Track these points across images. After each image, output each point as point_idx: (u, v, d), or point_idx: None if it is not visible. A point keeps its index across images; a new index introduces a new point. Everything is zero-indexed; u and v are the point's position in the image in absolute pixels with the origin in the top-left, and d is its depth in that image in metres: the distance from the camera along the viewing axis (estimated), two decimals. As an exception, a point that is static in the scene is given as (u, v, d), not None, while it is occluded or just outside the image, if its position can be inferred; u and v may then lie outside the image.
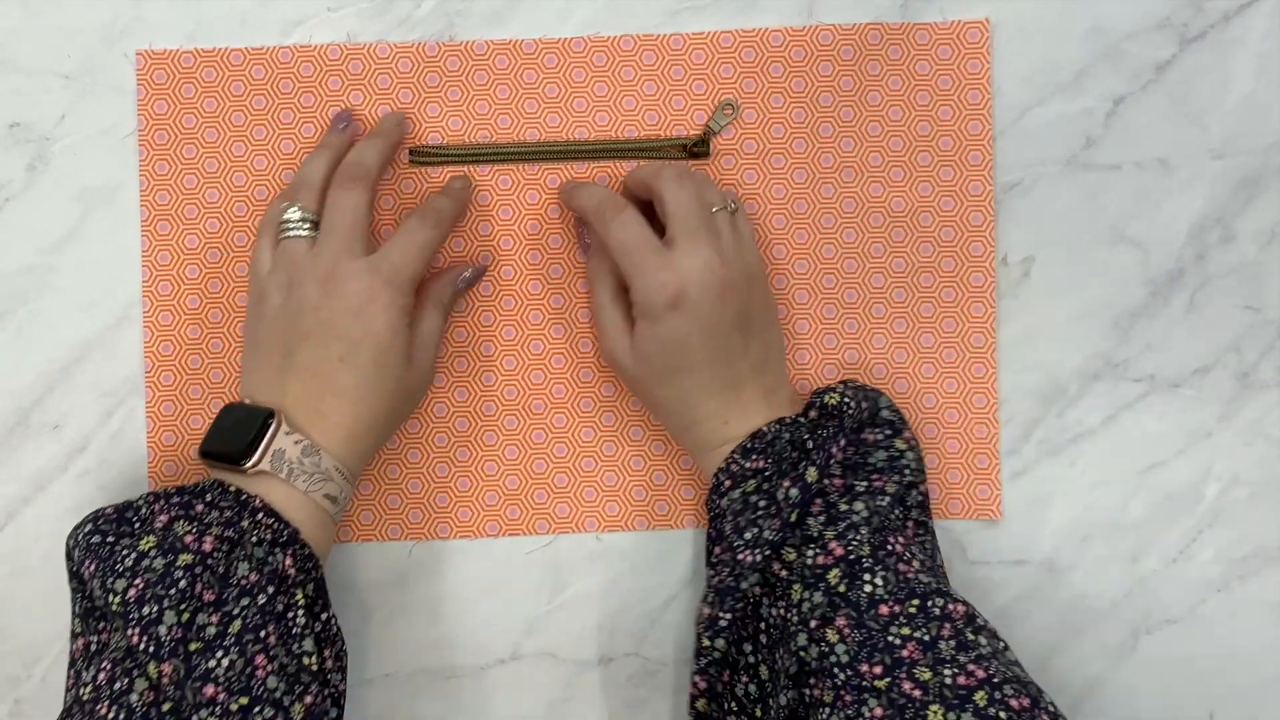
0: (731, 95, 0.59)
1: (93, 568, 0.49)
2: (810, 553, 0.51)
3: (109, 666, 0.48)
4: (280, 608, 0.49)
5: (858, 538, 0.51)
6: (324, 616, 0.51)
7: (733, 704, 0.53)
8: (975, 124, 0.60)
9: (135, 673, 0.47)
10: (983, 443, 0.60)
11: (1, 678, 0.59)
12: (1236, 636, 0.61)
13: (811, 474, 0.52)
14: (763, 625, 0.52)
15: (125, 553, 0.49)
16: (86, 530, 0.50)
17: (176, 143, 0.59)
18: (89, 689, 0.47)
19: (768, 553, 0.51)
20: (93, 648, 0.49)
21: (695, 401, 0.54)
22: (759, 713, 0.52)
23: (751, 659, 0.52)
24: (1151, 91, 0.60)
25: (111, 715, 0.46)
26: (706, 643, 0.52)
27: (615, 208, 0.54)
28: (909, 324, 0.60)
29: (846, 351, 0.60)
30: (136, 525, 0.50)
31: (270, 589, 0.49)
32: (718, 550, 0.53)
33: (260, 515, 0.50)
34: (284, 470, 0.50)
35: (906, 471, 0.53)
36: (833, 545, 0.51)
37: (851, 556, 0.50)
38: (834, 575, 0.50)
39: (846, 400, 0.55)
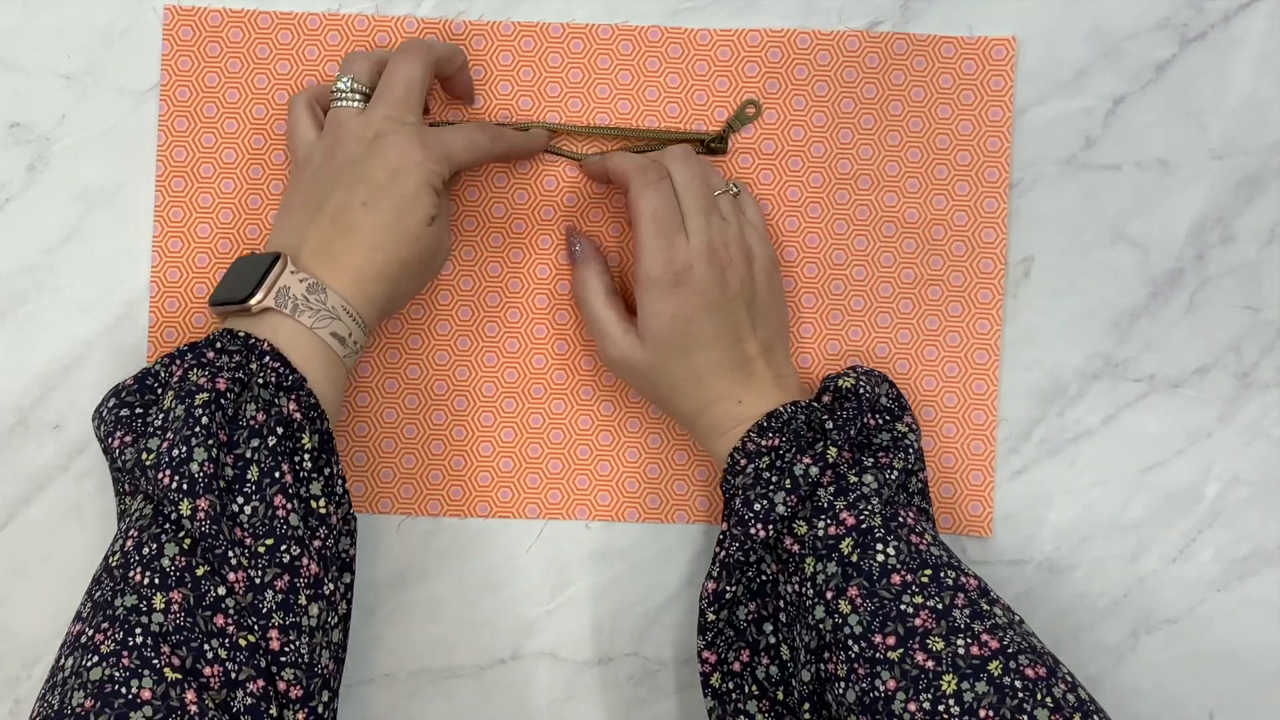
0: (755, 94, 0.59)
1: (127, 439, 0.49)
2: (821, 523, 0.51)
3: (135, 533, 0.48)
4: (289, 450, 0.49)
5: (869, 508, 0.51)
6: (328, 471, 0.51)
7: (753, 686, 0.53)
8: (994, 140, 0.60)
9: (165, 537, 0.47)
10: (978, 458, 0.60)
11: (1, 678, 0.59)
12: (1236, 636, 0.61)
13: (832, 453, 0.52)
14: (781, 604, 0.52)
15: (153, 415, 0.49)
16: (111, 405, 0.51)
17: (197, 100, 0.59)
18: (117, 556, 0.48)
19: (779, 527, 0.51)
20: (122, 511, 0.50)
21: (708, 381, 0.54)
22: (781, 695, 0.52)
23: (772, 639, 0.52)
24: (1151, 91, 0.60)
25: (146, 580, 0.46)
26: (711, 617, 0.52)
27: (659, 174, 0.55)
28: (913, 335, 0.60)
29: (849, 358, 0.60)
30: (158, 390, 0.51)
31: (280, 430, 0.49)
32: (724, 526, 0.53)
33: (267, 359, 0.50)
34: (288, 305, 0.50)
35: (910, 452, 0.53)
36: (844, 515, 0.51)
37: (864, 525, 0.50)
38: (846, 545, 0.50)
39: (861, 383, 0.55)
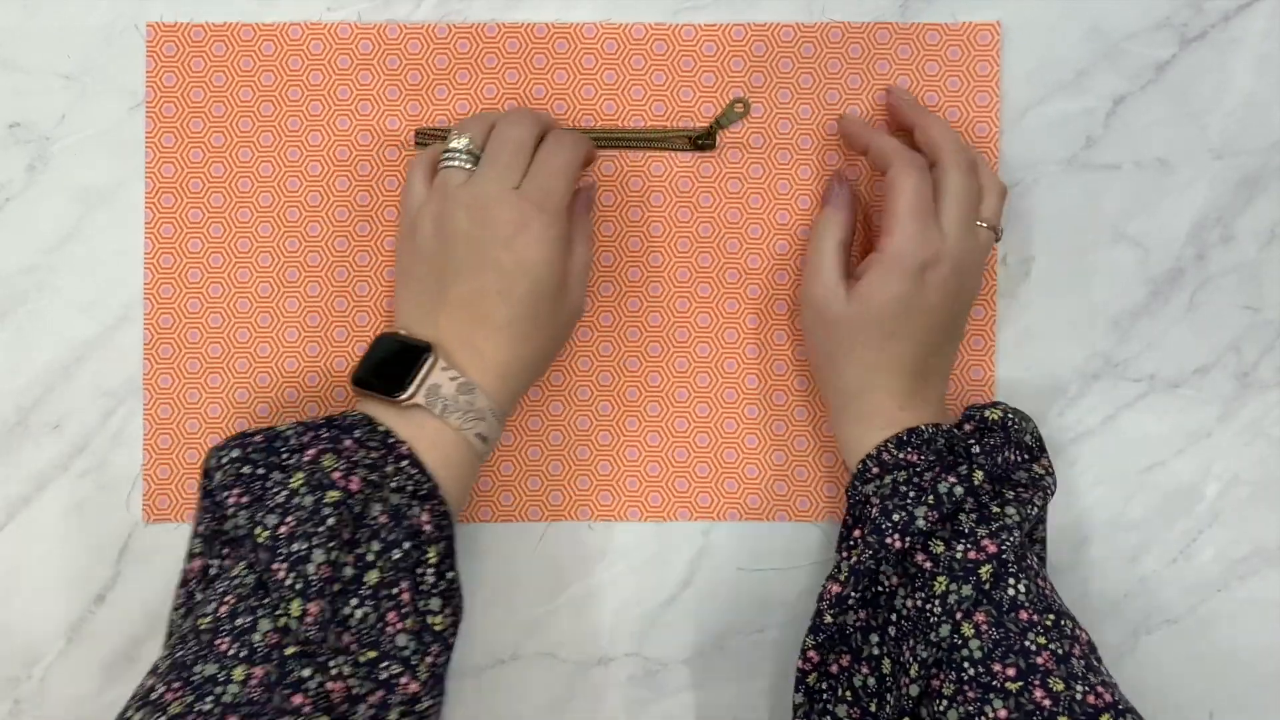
0: (741, 88, 0.59)
1: (243, 499, 0.48)
2: (961, 547, 0.50)
3: (232, 600, 0.46)
4: (414, 564, 0.48)
5: (1010, 539, 0.50)
6: (449, 575, 0.50)
7: (847, 692, 0.52)
8: (983, 126, 0.60)
9: (261, 612, 0.45)
10: None
11: (1, 678, 0.60)
12: (1236, 636, 0.61)
13: (978, 476, 0.51)
14: (894, 617, 0.52)
15: (276, 489, 0.48)
16: (234, 456, 0.49)
17: (184, 116, 0.59)
18: (208, 619, 0.46)
19: (915, 541, 0.51)
20: (212, 571, 0.49)
21: (884, 372, 0.54)
22: (874, 707, 0.52)
23: (876, 650, 0.52)
24: (1151, 91, 0.60)
25: (232, 651, 0.45)
26: (829, 619, 0.52)
27: (924, 163, 0.54)
28: None
29: None
30: (285, 457, 0.49)
31: (406, 544, 0.48)
32: (858, 533, 0.53)
33: (405, 463, 0.49)
34: (438, 407, 0.50)
35: (1047, 494, 0.53)
36: (986, 543, 0.50)
37: (1004, 556, 0.50)
38: (985, 571, 0.49)
39: (1009, 417, 0.54)
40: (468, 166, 0.53)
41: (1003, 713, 0.47)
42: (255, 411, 0.59)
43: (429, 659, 0.47)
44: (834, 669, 0.52)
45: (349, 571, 0.47)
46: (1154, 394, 0.61)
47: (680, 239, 0.60)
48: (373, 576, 0.47)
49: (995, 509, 0.51)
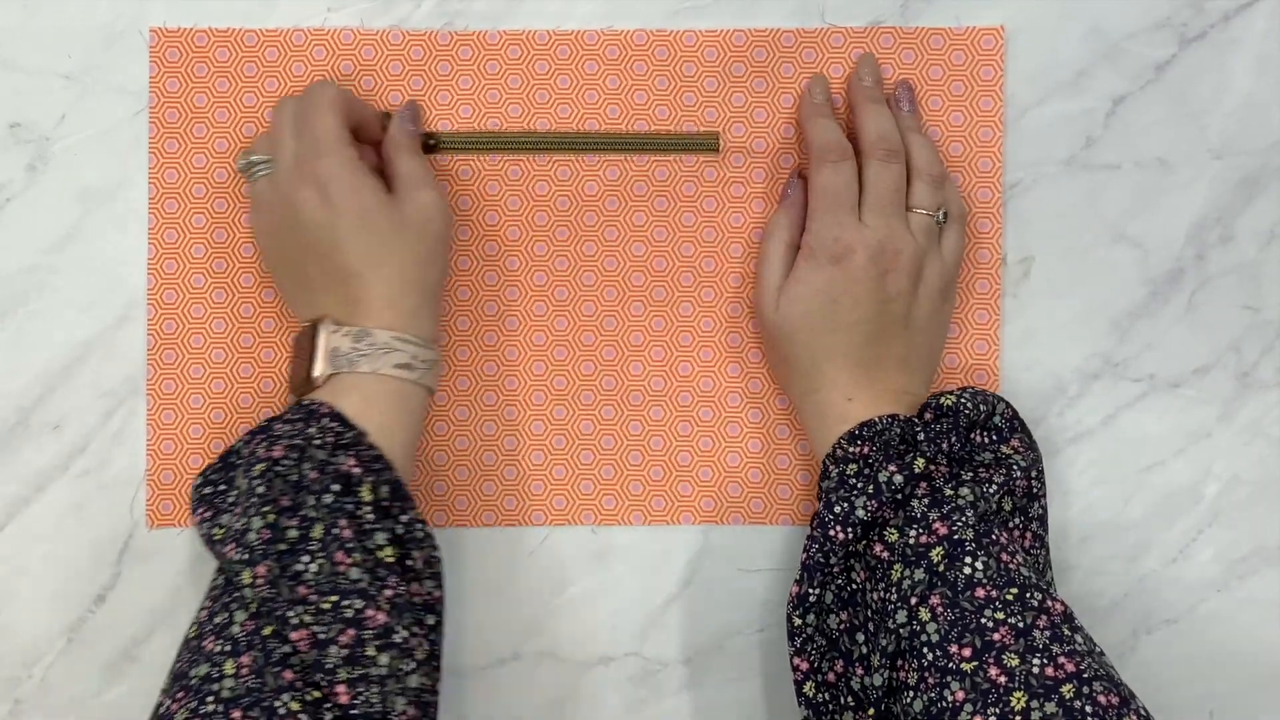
0: (742, 93, 0.59)
1: (208, 514, 0.51)
2: (913, 532, 0.50)
3: (209, 603, 0.49)
4: (350, 505, 0.50)
5: (962, 519, 0.50)
6: (404, 518, 0.51)
7: (849, 698, 0.52)
8: (986, 130, 0.60)
9: (234, 605, 0.48)
10: None
11: (1, 678, 0.59)
12: (1236, 636, 0.61)
13: (919, 464, 0.52)
14: (869, 613, 0.52)
15: (228, 492, 0.52)
16: (198, 483, 0.53)
17: (187, 121, 0.59)
18: (194, 627, 0.49)
19: (859, 531, 0.51)
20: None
21: (824, 367, 0.55)
22: (884, 706, 0.51)
23: (864, 649, 0.52)
24: (1151, 91, 0.60)
25: (218, 649, 0.47)
26: (798, 621, 0.52)
27: (840, 153, 0.55)
28: None
29: None
30: (236, 464, 0.53)
31: (336, 487, 0.49)
32: (810, 528, 0.53)
33: (325, 420, 0.51)
34: (346, 364, 0.52)
35: (1015, 470, 0.53)
36: (936, 525, 0.50)
37: (955, 537, 0.50)
38: (936, 554, 0.50)
39: (963, 402, 0.54)
40: (265, 172, 0.55)
41: (960, 694, 0.46)
42: (259, 415, 0.59)
43: (387, 591, 0.49)
44: (830, 677, 0.52)
45: (294, 533, 0.49)
46: (1154, 394, 0.61)
47: (684, 243, 0.60)
48: (318, 530, 0.49)
49: (949, 491, 0.51)
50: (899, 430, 0.53)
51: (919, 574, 0.49)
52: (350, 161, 0.53)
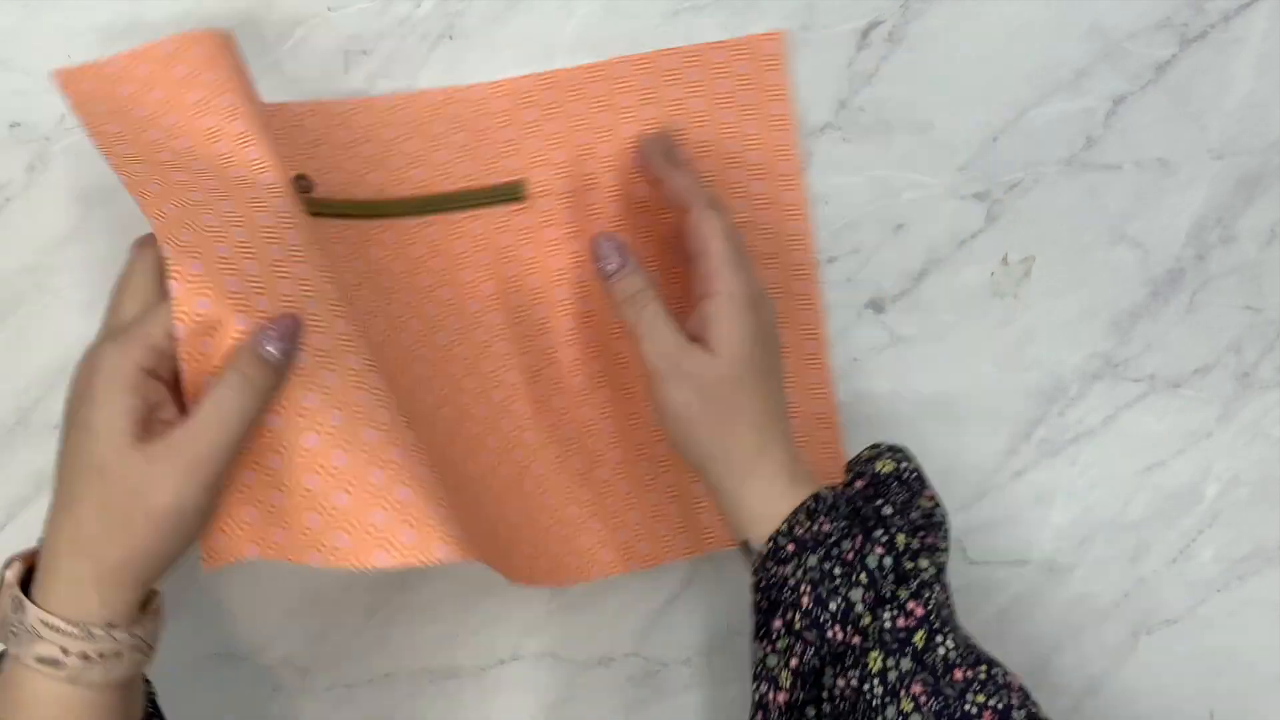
0: (535, 138, 0.58)
1: None
2: (887, 615, 0.47)
3: None
4: None
5: (933, 596, 0.47)
6: None
7: None
8: (780, 135, 0.59)
9: None
10: (827, 448, 0.59)
11: (1, 678, 0.60)
12: (1236, 636, 0.61)
13: (900, 540, 0.48)
14: (824, 694, 0.48)
15: None
16: None
17: (132, 135, 0.54)
18: None
19: (854, 627, 0.47)
20: None
21: (775, 420, 0.51)
22: None
23: None
24: (1151, 91, 0.60)
25: None
26: None
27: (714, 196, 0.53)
28: None
29: None
30: None
31: None
32: (779, 623, 0.48)
33: None
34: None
35: (946, 524, 0.50)
36: (911, 605, 0.47)
37: (930, 616, 0.47)
38: (919, 638, 0.46)
39: (901, 466, 0.50)
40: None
41: None
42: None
43: None
44: None
45: None
46: (1154, 394, 0.61)
47: (512, 293, 0.58)
48: None
49: (909, 564, 0.47)
50: (845, 505, 0.49)
51: (906, 664, 0.46)
52: (116, 363, 0.44)
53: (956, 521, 0.60)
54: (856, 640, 0.47)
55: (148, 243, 0.47)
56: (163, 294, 0.45)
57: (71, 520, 0.42)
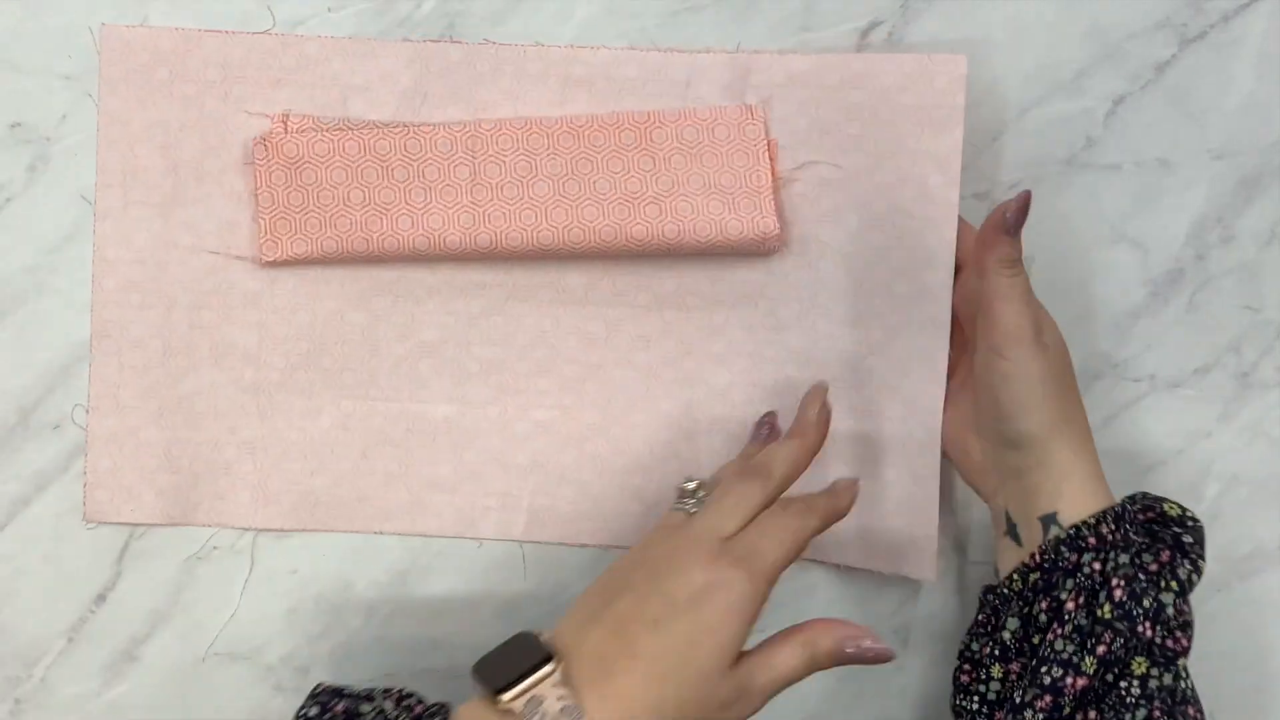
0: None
1: None
2: (1160, 631, 0.50)
3: None
4: None
5: (1188, 636, 0.50)
6: None
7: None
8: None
9: None
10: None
11: (1, 678, 0.60)
12: (1236, 636, 0.61)
13: (1197, 574, 0.51)
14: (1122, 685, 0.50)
15: None
16: (312, 715, 0.48)
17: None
18: None
19: (1162, 630, 0.50)
20: None
21: (1068, 423, 0.53)
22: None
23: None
24: (1151, 91, 0.60)
25: None
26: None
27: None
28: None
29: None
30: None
31: None
32: (1105, 610, 0.50)
33: None
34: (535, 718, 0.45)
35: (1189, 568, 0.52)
36: (1179, 635, 0.50)
37: (1187, 651, 0.50)
38: (1183, 664, 0.50)
39: (1187, 513, 0.52)
40: (691, 510, 0.50)
41: None
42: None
43: None
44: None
45: None
46: (1154, 394, 0.61)
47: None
48: None
49: (1183, 604, 0.50)
50: (1139, 523, 0.52)
51: (1168, 679, 0.49)
52: (743, 602, 0.46)
53: (957, 522, 0.61)
54: (1163, 641, 0.49)
55: (751, 474, 0.51)
56: (791, 545, 0.49)
57: (651, 644, 0.45)
